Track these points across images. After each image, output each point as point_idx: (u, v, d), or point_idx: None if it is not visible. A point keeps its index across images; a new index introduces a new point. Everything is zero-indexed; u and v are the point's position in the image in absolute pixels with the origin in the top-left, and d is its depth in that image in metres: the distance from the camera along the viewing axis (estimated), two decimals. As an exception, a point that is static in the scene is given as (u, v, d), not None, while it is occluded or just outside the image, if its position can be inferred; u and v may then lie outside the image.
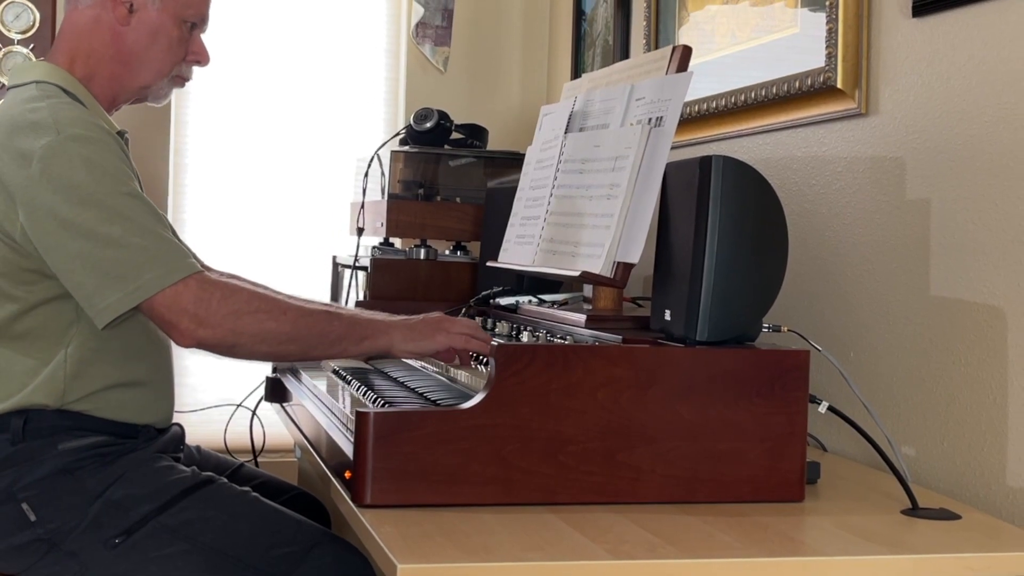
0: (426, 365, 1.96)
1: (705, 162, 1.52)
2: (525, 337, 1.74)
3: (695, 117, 2.40)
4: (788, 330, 1.64)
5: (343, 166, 3.28)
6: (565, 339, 1.68)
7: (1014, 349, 1.60)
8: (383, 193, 2.66)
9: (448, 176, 2.77)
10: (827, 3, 1.96)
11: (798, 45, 2.07)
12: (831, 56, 1.95)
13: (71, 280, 1.61)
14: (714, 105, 2.33)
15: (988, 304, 1.65)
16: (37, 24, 3.03)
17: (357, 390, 1.81)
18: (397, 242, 2.80)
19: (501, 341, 1.63)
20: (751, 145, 2.27)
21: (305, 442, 1.87)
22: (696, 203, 1.52)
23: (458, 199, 2.69)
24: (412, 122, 2.71)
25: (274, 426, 2.48)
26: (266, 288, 1.93)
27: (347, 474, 1.43)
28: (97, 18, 1.78)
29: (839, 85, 1.94)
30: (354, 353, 1.69)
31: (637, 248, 1.62)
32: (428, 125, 2.68)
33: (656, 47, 2.64)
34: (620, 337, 1.58)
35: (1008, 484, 1.61)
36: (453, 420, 1.41)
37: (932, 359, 1.76)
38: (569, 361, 1.45)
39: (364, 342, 1.66)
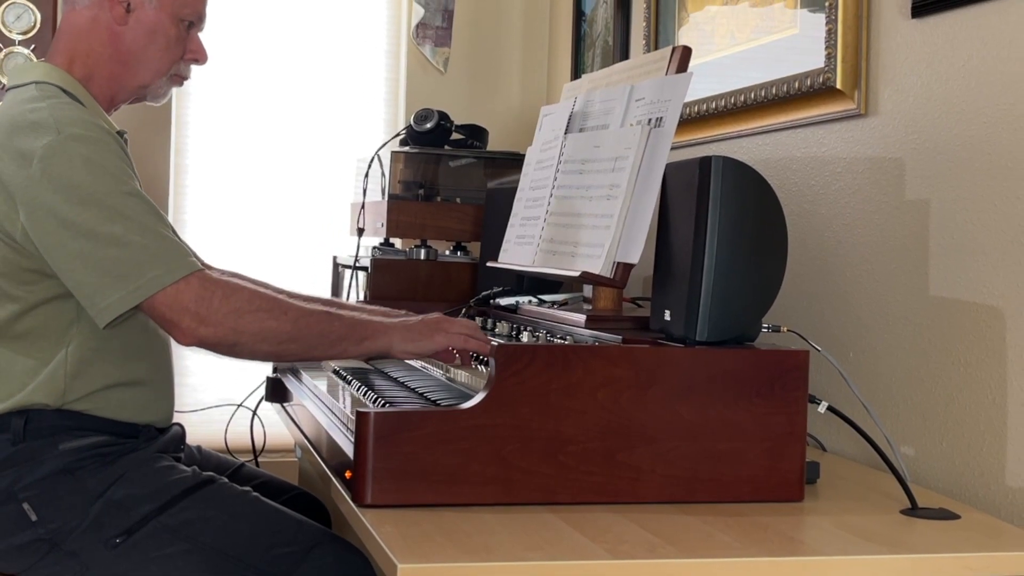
0: (426, 365, 1.96)
1: (705, 163, 1.52)
2: (525, 337, 1.75)
3: (695, 118, 2.40)
4: (788, 330, 1.64)
5: (343, 166, 3.29)
6: (565, 339, 1.68)
7: (1013, 349, 1.60)
8: (383, 193, 2.67)
9: (448, 176, 2.77)
10: (826, 4, 1.97)
11: (797, 46, 2.08)
12: (830, 57, 1.95)
13: (72, 279, 1.62)
14: (714, 106, 2.33)
15: (987, 304, 1.65)
16: (38, 25, 3.03)
17: (357, 390, 1.82)
18: (397, 242, 2.80)
19: (501, 341, 1.63)
20: (751, 146, 2.27)
21: (306, 442, 1.87)
22: (696, 203, 1.52)
23: (458, 199, 2.69)
24: (412, 123, 2.71)
25: (275, 426, 2.48)
26: (267, 285, 1.94)
27: (347, 474, 1.44)
28: (95, 18, 1.79)
29: (838, 86, 1.94)
30: (354, 353, 1.70)
31: (637, 248, 1.63)
32: (428, 126, 2.68)
33: (656, 48, 2.64)
34: (620, 337, 1.58)
35: (1007, 484, 1.61)
36: (453, 420, 1.41)
37: (931, 359, 1.76)
38: (569, 361, 1.45)
39: (364, 342, 1.67)
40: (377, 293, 2.49)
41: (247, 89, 3.32)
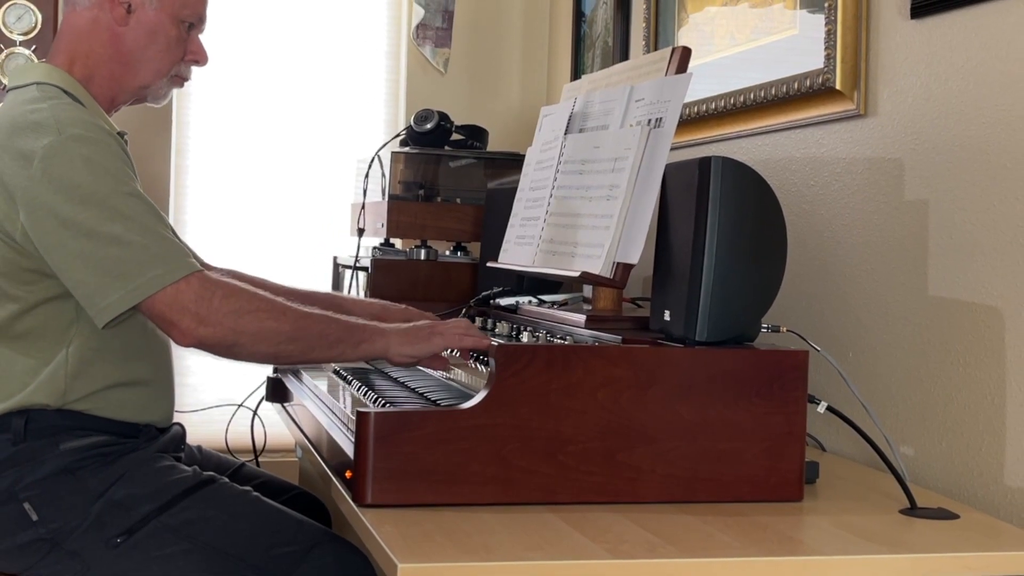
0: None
1: (704, 163, 1.53)
2: (525, 337, 1.75)
3: (694, 118, 2.40)
4: (787, 330, 1.64)
5: (344, 167, 3.29)
6: (565, 339, 1.69)
7: (1012, 349, 1.61)
8: (384, 194, 2.67)
9: (448, 177, 2.77)
10: (826, 5, 1.97)
11: (797, 47, 2.08)
12: (830, 57, 1.95)
13: (72, 279, 1.62)
14: (713, 106, 2.33)
15: (986, 304, 1.66)
16: (39, 26, 3.03)
17: (358, 390, 1.82)
18: (398, 243, 2.81)
19: (501, 341, 1.63)
20: (750, 146, 2.27)
21: (306, 442, 1.87)
22: (695, 204, 1.53)
23: (458, 200, 2.70)
24: (412, 123, 2.71)
25: (275, 426, 2.48)
26: (265, 283, 1.94)
27: (348, 474, 1.44)
28: (95, 19, 1.79)
29: (838, 86, 1.94)
30: (352, 356, 1.70)
31: (637, 249, 1.63)
32: (428, 126, 2.69)
33: (655, 48, 2.65)
34: (620, 337, 1.58)
35: (1006, 484, 1.61)
36: (453, 420, 1.42)
37: (930, 359, 1.77)
38: (569, 361, 1.45)
39: (361, 345, 1.67)
40: (377, 293, 2.49)
41: (248, 90, 3.32)
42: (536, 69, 3.49)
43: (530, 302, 1.99)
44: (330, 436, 1.64)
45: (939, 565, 1.32)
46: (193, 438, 1.97)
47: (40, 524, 1.63)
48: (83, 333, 1.69)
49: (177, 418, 1.88)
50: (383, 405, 1.65)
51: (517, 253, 1.96)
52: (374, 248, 2.66)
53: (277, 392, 2.25)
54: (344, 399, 1.82)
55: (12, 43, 3.02)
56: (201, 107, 3.29)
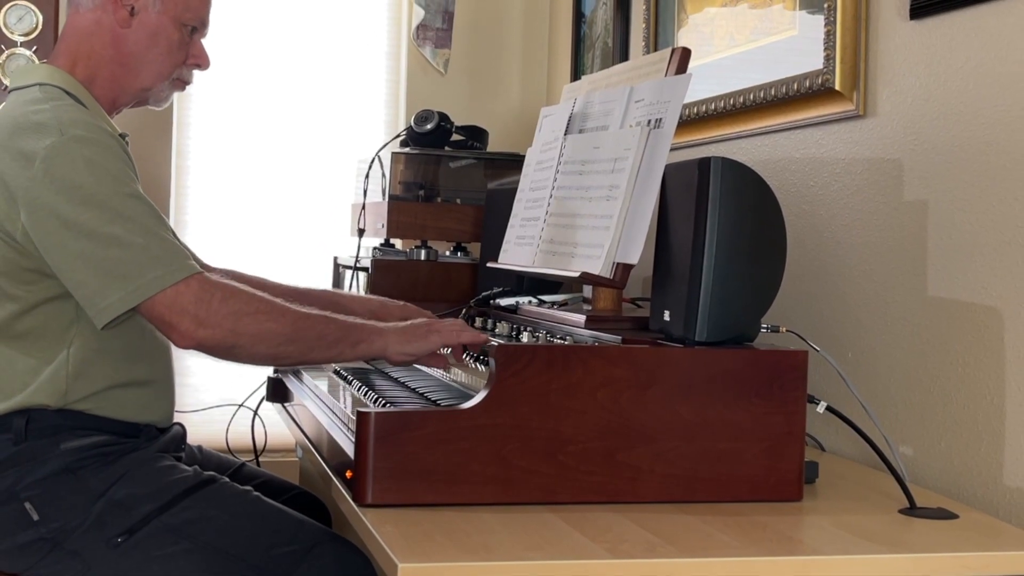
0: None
1: (704, 163, 1.53)
2: (525, 337, 1.75)
3: (694, 119, 2.41)
4: (786, 330, 1.64)
5: (344, 168, 3.29)
6: (565, 339, 1.69)
7: (1011, 349, 1.61)
8: (384, 194, 2.67)
9: (448, 177, 2.77)
10: (825, 5, 1.97)
11: (796, 47, 2.08)
12: (829, 58, 1.96)
13: (72, 280, 1.62)
14: (713, 107, 2.34)
15: (985, 305, 1.66)
16: (40, 26, 3.03)
17: (358, 390, 1.82)
18: (398, 243, 2.81)
19: (501, 341, 1.63)
20: (750, 147, 2.28)
21: (306, 442, 1.87)
22: (695, 204, 1.53)
23: (458, 200, 2.70)
24: (413, 124, 2.72)
25: (275, 426, 2.48)
26: (264, 282, 1.95)
27: (348, 473, 1.44)
28: (98, 21, 1.80)
29: (837, 87, 1.95)
30: (350, 356, 1.70)
31: (636, 249, 1.63)
32: (429, 127, 2.69)
33: (655, 49, 2.65)
34: (619, 337, 1.59)
35: (1005, 483, 1.61)
36: (453, 420, 1.42)
37: (930, 359, 1.77)
38: (569, 361, 1.46)
39: (360, 345, 1.67)
40: (377, 293, 2.49)
41: (248, 91, 3.33)
42: (536, 70, 3.49)
43: (530, 302, 2.00)
44: (330, 436, 1.64)
45: (938, 565, 1.33)
46: (194, 438, 1.97)
47: (41, 524, 1.63)
48: (84, 333, 1.69)
49: (178, 418, 1.89)
50: (383, 405, 1.65)
51: (517, 253, 1.96)
52: (374, 248, 2.66)
53: (277, 392, 2.25)
54: (344, 399, 1.82)
55: (13, 44, 3.03)
56: (202, 108, 3.29)
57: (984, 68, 1.67)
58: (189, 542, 1.62)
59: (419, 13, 3.34)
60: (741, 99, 2.23)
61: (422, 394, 1.76)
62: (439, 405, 1.62)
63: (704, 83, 2.36)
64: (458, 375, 1.80)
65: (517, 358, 1.44)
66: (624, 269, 1.65)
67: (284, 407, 2.21)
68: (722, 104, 2.30)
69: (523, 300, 2.02)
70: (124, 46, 1.80)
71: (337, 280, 2.84)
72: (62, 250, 1.61)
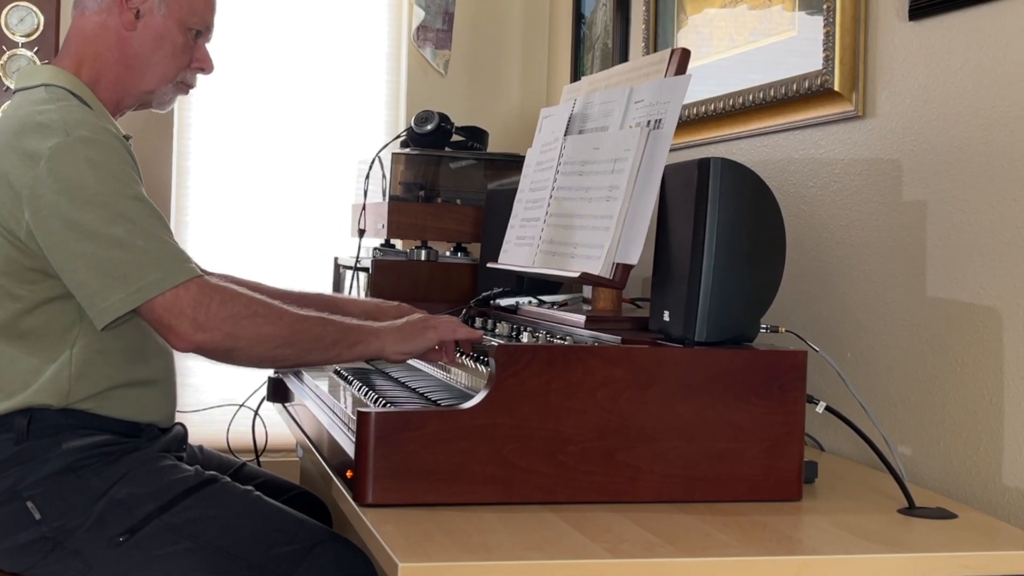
0: (427, 365, 1.97)
1: (703, 164, 1.53)
2: (525, 338, 1.76)
3: (694, 119, 2.41)
4: (786, 331, 1.65)
5: (345, 168, 3.30)
6: (565, 340, 1.69)
7: (1010, 350, 1.61)
8: (384, 195, 2.68)
9: (449, 178, 2.78)
10: (824, 6, 1.98)
11: (796, 48, 2.09)
12: (828, 59, 1.96)
13: (73, 279, 1.63)
14: (712, 108, 2.34)
15: (984, 305, 1.66)
16: (41, 27, 3.04)
17: (358, 390, 1.83)
18: (398, 243, 2.81)
19: (501, 341, 1.64)
20: (749, 147, 2.28)
21: (307, 442, 1.88)
22: (695, 205, 1.53)
23: (458, 201, 2.70)
24: (413, 124, 2.72)
25: (276, 426, 2.49)
26: (260, 286, 1.95)
27: (349, 473, 1.44)
28: (104, 23, 1.81)
29: (836, 88, 1.95)
30: (348, 358, 1.71)
31: (636, 249, 1.64)
32: (429, 127, 2.69)
33: (655, 50, 2.65)
34: (619, 338, 1.59)
35: (1004, 483, 1.62)
36: (454, 420, 1.42)
37: (928, 359, 1.77)
38: (569, 361, 1.46)
39: (357, 346, 1.68)
40: (378, 294, 2.50)
41: (249, 92, 3.33)
42: (536, 71, 3.49)
43: (530, 303, 2.00)
44: (331, 436, 1.64)
45: (937, 564, 1.33)
46: (195, 438, 1.98)
47: (43, 523, 1.63)
48: (86, 334, 1.70)
49: (179, 418, 1.89)
50: (384, 405, 1.66)
51: (517, 254, 1.96)
52: (375, 249, 2.67)
53: (278, 392, 2.26)
54: (345, 399, 1.83)
55: (14, 45, 3.03)
56: (203, 109, 3.29)
57: (983, 69, 1.67)
58: (190, 541, 1.63)
59: (419, 14, 3.35)
60: (740, 100, 2.24)
61: (422, 394, 1.77)
62: (439, 405, 1.62)
63: (704, 84, 2.36)
64: (458, 375, 1.81)
65: (517, 358, 1.44)
66: (624, 269, 1.65)
67: (285, 407, 2.21)
68: (721, 105, 2.31)
69: (523, 300, 2.02)
70: (129, 49, 1.81)
71: (338, 280, 2.84)
72: (64, 250, 1.61)
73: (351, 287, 2.64)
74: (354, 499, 1.41)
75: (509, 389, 1.44)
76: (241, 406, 2.59)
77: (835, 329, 1.99)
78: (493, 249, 2.11)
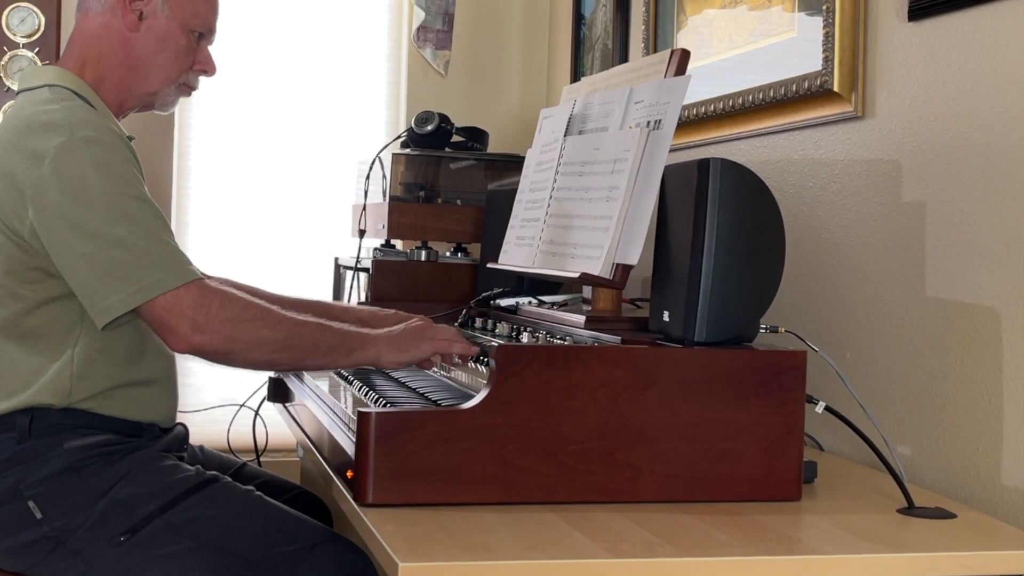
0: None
1: (703, 164, 1.53)
2: (525, 338, 1.76)
3: (693, 120, 2.41)
4: (785, 331, 1.65)
5: (345, 169, 3.30)
6: (565, 340, 1.70)
7: (1009, 350, 1.62)
8: (384, 195, 2.68)
9: (449, 178, 2.78)
10: (824, 7, 1.98)
11: (795, 49, 2.09)
12: (828, 60, 1.96)
13: (75, 279, 1.63)
14: (712, 108, 2.34)
15: (983, 305, 1.66)
16: (42, 28, 3.04)
17: (359, 390, 1.83)
18: (398, 244, 2.82)
19: (501, 341, 1.64)
20: (749, 148, 2.28)
21: (307, 442, 1.88)
22: (694, 205, 1.54)
23: (459, 201, 2.71)
24: (413, 125, 2.72)
25: (277, 426, 2.49)
26: (257, 291, 1.96)
27: (349, 473, 1.45)
28: (107, 24, 1.81)
29: (836, 88, 1.95)
30: (344, 364, 1.72)
31: (636, 250, 1.64)
32: (429, 128, 2.70)
33: (655, 51, 2.66)
34: (619, 338, 1.59)
35: (1003, 483, 1.62)
36: (454, 420, 1.43)
37: (928, 360, 1.78)
38: (569, 361, 1.46)
39: (353, 353, 1.69)
40: (378, 294, 2.50)
41: (250, 92, 3.33)
42: (536, 71, 3.50)
43: (530, 303, 2.00)
44: (331, 436, 1.65)
45: (936, 564, 1.33)
46: (195, 438, 1.98)
47: (44, 522, 1.64)
48: (88, 333, 1.70)
49: (180, 418, 1.90)
50: (384, 405, 1.66)
51: (517, 254, 1.97)
52: (375, 249, 2.67)
53: (279, 392, 2.26)
54: (345, 399, 1.83)
55: (15, 45, 3.03)
56: (204, 110, 3.30)
57: (982, 70, 1.68)
58: (191, 541, 1.63)
59: (419, 15, 3.35)
60: (740, 100, 2.24)
61: (422, 394, 1.77)
62: (439, 405, 1.62)
63: (703, 84, 2.37)
64: (458, 375, 1.81)
65: (517, 358, 1.45)
66: (623, 270, 1.66)
67: (285, 407, 2.21)
68: (721, 105, 2.31)
69: (523, 301, 2.02)
70: (132, 50, 1.82)
71: (338, 281, 2.84)
72: (66, 249, 1.62)
73: (351, 288, 2.64)
74: (354, 499, 1.42)
75: (509, 389, 1.44)
76: (242, 406, 2.59)
77: (835, 329, 1.99)
78: (493, 249, 2.11)
